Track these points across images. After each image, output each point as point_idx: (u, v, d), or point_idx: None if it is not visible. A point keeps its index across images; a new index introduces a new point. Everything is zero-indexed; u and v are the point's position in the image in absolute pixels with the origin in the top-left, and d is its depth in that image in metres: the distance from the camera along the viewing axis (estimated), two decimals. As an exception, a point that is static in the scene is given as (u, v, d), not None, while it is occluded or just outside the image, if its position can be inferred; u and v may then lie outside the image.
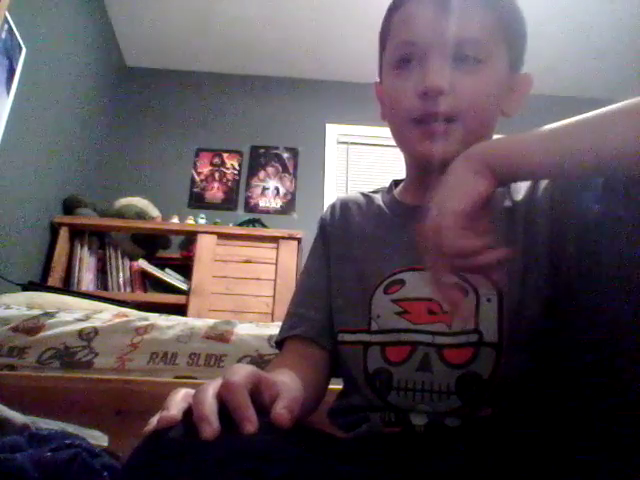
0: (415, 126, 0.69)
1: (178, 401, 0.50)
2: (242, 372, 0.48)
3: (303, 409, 0.59)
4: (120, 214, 2.77)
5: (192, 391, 0.51)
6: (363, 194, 0.85)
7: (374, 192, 0.85)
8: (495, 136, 0.74)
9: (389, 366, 0.67)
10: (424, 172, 0.74)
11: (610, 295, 0.51)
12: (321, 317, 0.77)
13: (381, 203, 0.81)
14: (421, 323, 0.67)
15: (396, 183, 0.84)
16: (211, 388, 0.48)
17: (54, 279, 2.49)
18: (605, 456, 0.47)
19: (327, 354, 0.76)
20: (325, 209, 0.87)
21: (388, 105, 0.75)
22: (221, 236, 2.75)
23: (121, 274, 2.70)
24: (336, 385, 0.81)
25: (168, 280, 2.75)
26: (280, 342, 0.80)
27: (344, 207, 0.84)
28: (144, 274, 2.75)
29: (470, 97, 0.67)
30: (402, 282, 0.70)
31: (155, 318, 1.36)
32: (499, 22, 0.69)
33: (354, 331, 0.72)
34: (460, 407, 0.63)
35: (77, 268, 2.60)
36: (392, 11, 0.75)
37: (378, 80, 0.80)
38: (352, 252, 0.78)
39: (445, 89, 0.66)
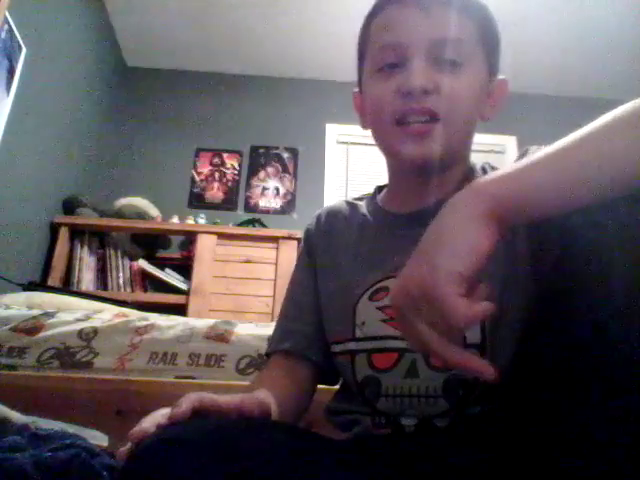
0: (397, 127, 0.68)
1: (190, 398, 0.52)
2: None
3: (281, 418, 0.63)
4: (120, 214, 2.77)
5: (205, 393, 0.54)
6: (348, 202, 0.84)
7: (359, 199, 0.85)
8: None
9: (377, 374, 0.68)
10: (408, 176, 0.74)
11: (590, 297, 0.51)
12: (309, 330, 0.77)
13: (365, 211, 0.81)
14: None
15: (380, 188, 0.84)
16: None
17: (54, 279, 2.49)
18: (592, 454, 0.48)
19: (313, 367, 0.76)
20: (310, 221, 0.86)
21: (370, 111, 0.74)
22: (221, 236, 2.75)
23: (121, 274, 2.70)
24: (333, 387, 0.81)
25: (168, 280, 2.75)
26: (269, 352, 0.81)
27: (329, 217, 0.83)
28: (144, 274, 2.75)
29: (452, 98, 0.67)
30: (387, 289, 0.70)
31: (155, 318, 1.36)
32: (478, 28, 0.70)
33: (341, 341, 0.72)
34: (448, 410, 0.64)
35: (77, 268, 2.60)
36: (370, 18, 0.75)
37: (357, 90, 0.80)
38: (337, 262, 0.77)
39: (429, 88, 0.66)
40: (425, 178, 0.71)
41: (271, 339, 0.81)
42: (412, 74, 0.66)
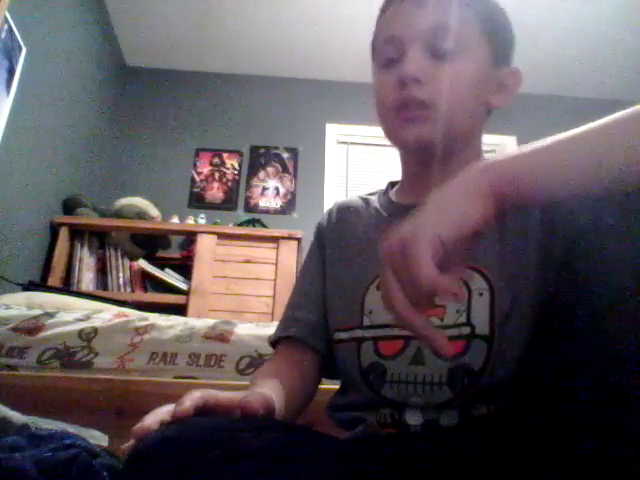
0: (395, 114, 0.71)
1: (193, 396, 0.52)
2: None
3: (288, 410, 0.64)
4: (120, 214, 2.77)
5: (208, 391, 0.53)
6: (361, 197, 0.86)
7: (371, 194, 0.86)
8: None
9: (382, 360, 0.69)
10: (415, 165, 0.77)
11: (596, 296, 0.52)
12: (314, 318, 0.79)
13: (377, 205, 0.82)
14: None
15: (392, 184, 0.86)
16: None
17: (54, 279, 2.49)
18: (601, 452, 0.48)
19: (317, 355, 0.78)
20: (323, 214, 0.88)
21: (375, 102, 0.77)
22: (221, 236, 2.75)
23: (121, 274, 2.70)
24: (334, 385, 0.81)
25: (168, 280, 2.75)
26: (275, 342, 0.82)
27: (341, 211, 0.85)
28: (144, 274, 2.75)
29: (447, 86, 0.69)
30: None
31: (155, 318, 1.36)
32: (476, 15, 0.72)
33: (348, 328, 0.73)
34: (452, 399, 0.64)
35: (77, 268, 2.60)
36: (378, 18, 0.79)
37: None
38: (348, 253, 0.79)
39: (421, 77, 0.68)
40: (430, 167, 0.72)
41: (277, 328, 0.82)
42: (405, 64, 0.69)
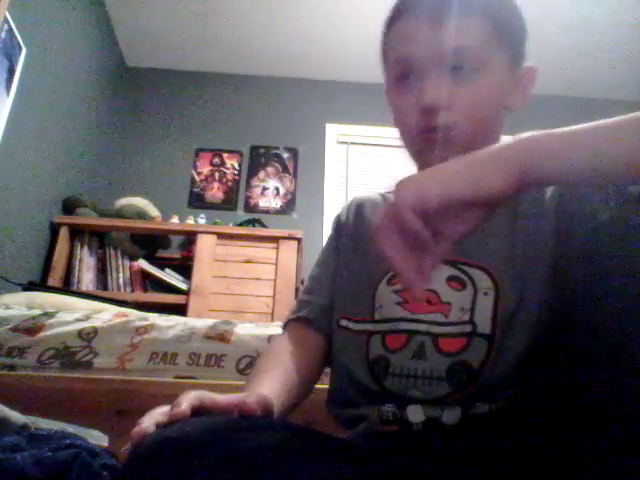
0: (417, 137, 0.71)
1: (190, 397, 0.52)
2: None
3: (296, 393, 0.68)
4: (120, 214, 2.77)
5: (205, 392, 0.54)
6: (380, 194, 0.88)
7: (391, 192, 0.87)
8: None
9: (387, 353, 0.70)
10: None
11: (615, 299, 0.51)
12: (323, 302, 0.82)
13: None
14: (419, 313, 0.69)
15: None
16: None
17: (54, 279, 2.48)
18: (604, 454, 0.48)
19: (323, 338, 0.80)
20: (342, 208, 0.91)
21: (395, 121, 0.77)
22: (221, 236, 2.75)
23: (121, 274, 2.70)
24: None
25: (168, 280, 2.74)
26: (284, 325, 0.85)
27: (359, 206, 0.87)
28: (144, 274, 2.74)
29: (469, 108, 0.68)
30: None
31: (155, 318, 1.36)
32: (493, 25, 0.69)
33: (359, 320, 0.75)
34: (450, 394, 0.64)
35: (77, 268, 2.60)
36: (388, 27, 0.76)
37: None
38: (362, 247, 0.81)
39: (442, 105, 0.67)
40: None
41: (289, 312, 0.85)
42: (425, 91, 0.68)
